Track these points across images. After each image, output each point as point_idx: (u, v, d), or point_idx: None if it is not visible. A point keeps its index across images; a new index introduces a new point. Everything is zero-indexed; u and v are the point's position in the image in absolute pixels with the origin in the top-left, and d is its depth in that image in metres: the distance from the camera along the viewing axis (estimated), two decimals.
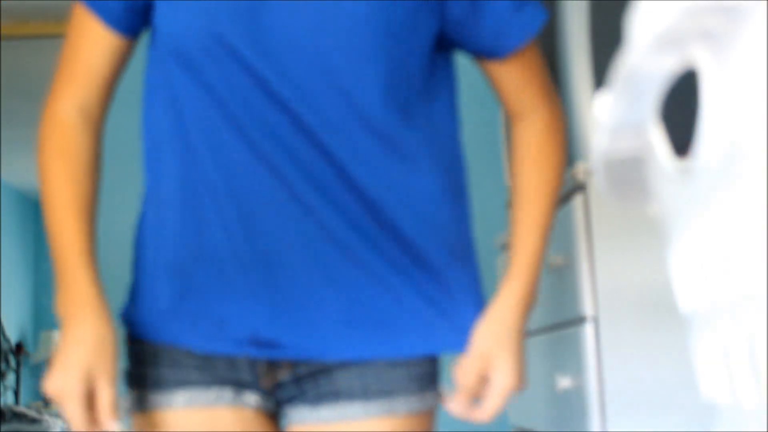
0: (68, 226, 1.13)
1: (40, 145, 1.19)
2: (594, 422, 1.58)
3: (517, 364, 1.14)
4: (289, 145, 1.09)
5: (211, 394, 1.13)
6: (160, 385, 1.13)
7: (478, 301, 1.19)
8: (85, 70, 1.22)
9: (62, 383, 1.06)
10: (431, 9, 1.15)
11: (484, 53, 1.23)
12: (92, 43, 1.22)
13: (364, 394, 1.13)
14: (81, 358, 1.07)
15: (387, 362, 1.13)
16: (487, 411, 1.13)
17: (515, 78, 1.22)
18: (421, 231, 1.13)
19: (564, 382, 1.68)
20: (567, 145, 1.26)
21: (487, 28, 1.19)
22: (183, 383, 1.12)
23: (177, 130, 1.13)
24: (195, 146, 1.12)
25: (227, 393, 1.13)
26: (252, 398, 1.15)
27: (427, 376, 1.16)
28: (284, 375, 1.15)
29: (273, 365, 1.15)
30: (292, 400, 1.16)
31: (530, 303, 1.18)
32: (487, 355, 1.13)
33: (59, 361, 1.07)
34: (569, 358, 1.68)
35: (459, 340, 1.16)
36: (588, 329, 1.60)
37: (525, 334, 1.18)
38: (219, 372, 1.14)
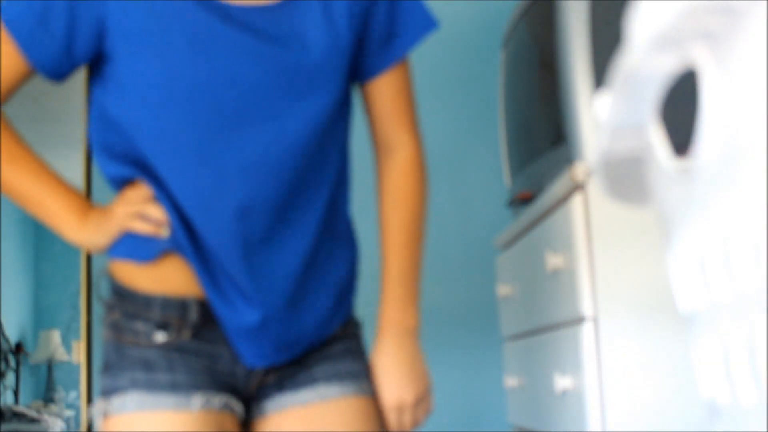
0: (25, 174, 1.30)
1: None
2: (593, 422, 1.58)
3: (408, 377, 1.33)
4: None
5: (223, 399, 1.26)
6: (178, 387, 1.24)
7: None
8: None
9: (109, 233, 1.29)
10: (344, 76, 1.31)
11: (371, 68, 1.36)
12: (8, 67, 1.29)
13: (338, 377, 1.31)
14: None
15: (353, 354, 1.34)
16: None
17: (391, 97, 1.38)
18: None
19: (563, 382, 1.68)
20: (427, 178, 1.41)
21: (378, 39, 1.34)
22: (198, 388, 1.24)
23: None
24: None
25: (227, 400, 1.26)
26: (238, 406, 1.28)
27: (358, 350, 1.38)
28: (272, 379, 1.31)
29: (268, 371, 1.31)
30: (271, 393, 1.31)
31: (413, 329, 1.36)
32: (377, 374, 1.34)
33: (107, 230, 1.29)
34: (569, 358, 1.68)
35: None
36: (587, 329, 1.60)
37: (419, 359, 1.36)
38: (224, 379, 1.28)
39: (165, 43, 1.19)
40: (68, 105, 5.25)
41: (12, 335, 7.55)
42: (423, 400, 1.36)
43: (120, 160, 1.27)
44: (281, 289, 1.27)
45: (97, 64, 1.26)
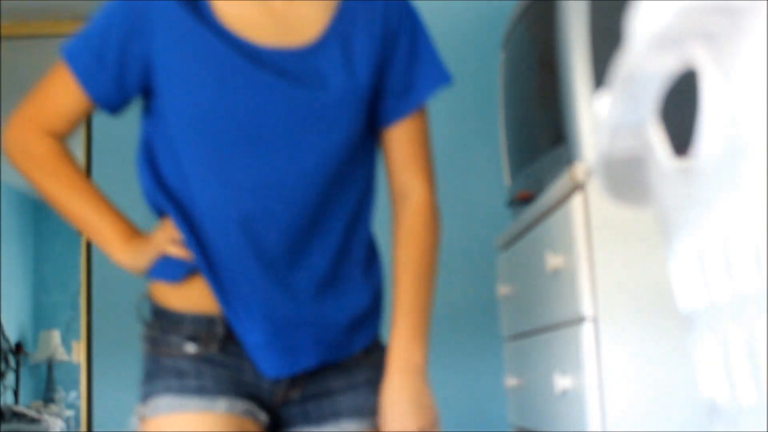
0: (76, 198, 1.44)
1: (18, 154, 1.47)
2: (593, 422, 1.58)
3: (414, 409, 1.39)
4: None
5: (245, 406, 1.38)
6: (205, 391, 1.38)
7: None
8: (53, 118, 1.45)
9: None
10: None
11: (388, 116, 1.47)
12: (69, 99, 1.43)
13: (359, 413, 1.42)
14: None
15: (374, 387, 1.43)
16: None
17: (407, 145, 1.47)
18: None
19: (563, 382, 1.68)
20: (439, 221, 1.48)
21: (396, 89, 1.45)
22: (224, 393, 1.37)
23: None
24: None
25: (250, 407, 1.39)
26: (262, 415, 1.40)
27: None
28: (295, 394, 1.42)
29: (292, 384, 1.42)
30: (296, 419, 1.43)
31: (420, 366, 1.41)
32: (384, 405, 1.40)
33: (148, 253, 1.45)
34: (569, 358, 1.68)
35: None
36: (587, 329, 1.60)
37: (425, 393, 1.40)
38: (248, 389, 1.40)
39: (198, 81, 1.35)
40: None
41: (12, 335, 7.55)
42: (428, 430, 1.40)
43: (158, 188, 1.42)
44: (293, 307, 1.39)
45: (145, 98, 1.43)
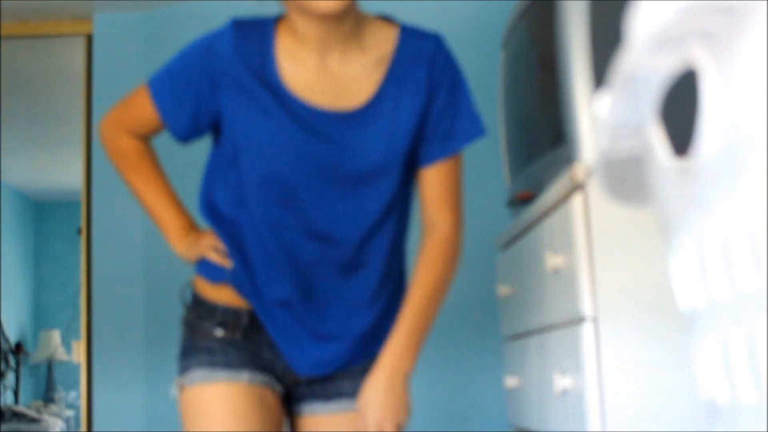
0: (154, 193, 1.72)
1: (109, 147, 1.74)
2: (593, 422, 1.58)
3: (392, 406, 1.61)
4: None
5: (264, 378, 1.64)
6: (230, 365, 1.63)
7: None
8: (135, 125, 1.71)
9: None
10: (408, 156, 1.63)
11: (425, 158, 1.64)
12: (148, 118, 1.68)
13: (358, 394, 1.64)
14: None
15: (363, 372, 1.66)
16: None
17: (438, 185, 1.64)
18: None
19: (563, 382, 1.68)
20: (458, 254, 1.68)
21: (437, 136, 1.62)
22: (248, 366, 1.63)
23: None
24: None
25: (268, 380, 1.65)
26: (278, 387, 1.66)
27: None
28: (303, 380, 1.68)
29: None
30: (305, 396, 1.69)
31: (405, 371, 1.62)
32: (366, 398, 1.62)
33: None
34: (569, 358, 1.68)
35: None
36: (587, 329, 1.60)
37: (403, 396, 1.62)
38: (266, 366, 1.66)
39: (255, 140, 1.57)
40: (68, 105, 5.25)
41: (12, 335, 7.55)
42: (401, 426, 1.64)
43: (212, 210, 1.67)
44: (325, 328, 1.64)
45: (215, 133, 1.66)
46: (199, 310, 1.67)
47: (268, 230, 1.60)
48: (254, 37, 1.57)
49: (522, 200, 2.13)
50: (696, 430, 1.51)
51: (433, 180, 1.64)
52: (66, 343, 7.87)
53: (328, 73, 1.57)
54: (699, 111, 0.56)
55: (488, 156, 3.04)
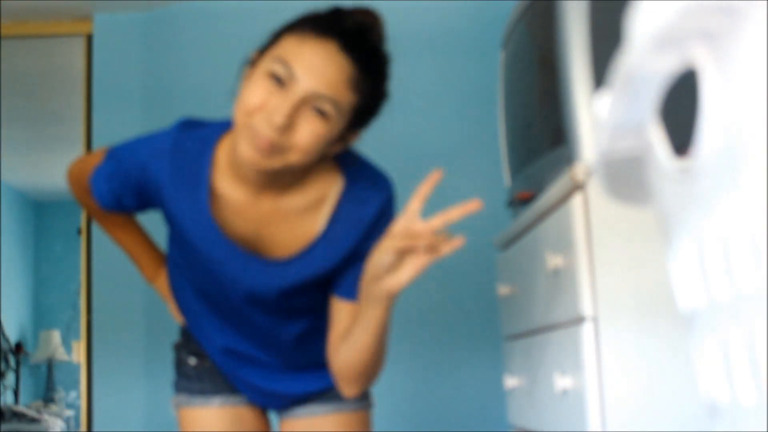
0: (138, 251, 1.88)
1: (79, 200, 1.84)
2: (593, 422, 1.58)
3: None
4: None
5: (238, 398, 1.80)
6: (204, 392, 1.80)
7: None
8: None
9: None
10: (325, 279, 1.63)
11: (335, 292, 1.62)
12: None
13: (324, 399, 1.76)
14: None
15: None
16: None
17: (344, 320, 1.60)
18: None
19: (563, 382, 1.68)
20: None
21: (345, 281, 1.61)
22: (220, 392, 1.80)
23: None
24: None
25: (242, 398, 1.80)
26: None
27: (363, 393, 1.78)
28: None
29: None
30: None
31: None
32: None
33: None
34: (569, 358, 1.68)
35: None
36: (587, 329, 1.60)
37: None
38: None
39: (180, 236, 1.63)
40: (68, 105, 5.25)
41: (12, 335, 7.55)
42: None
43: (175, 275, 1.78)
44: (266, 383, 1.76)
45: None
46: (181, 337, 1.84)
47: (199, 297, 1.72)
48: (192, 159, 1.54)
49: (522, 200, 2.13)
50: (696, 430, 1.51)
51: (341, 314, 1.60)
52: (66, 343, 7.87)
53: (259, 209, 1.55)
54: (699, 111, 0.56)
55: (488, 156, 3.04)
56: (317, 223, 1.57)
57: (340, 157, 1.56)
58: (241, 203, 1.54)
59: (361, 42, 1.44)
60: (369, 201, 1.56)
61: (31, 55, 4.50)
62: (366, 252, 1.52)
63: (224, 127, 1.56)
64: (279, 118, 1.37)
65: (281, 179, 1.51)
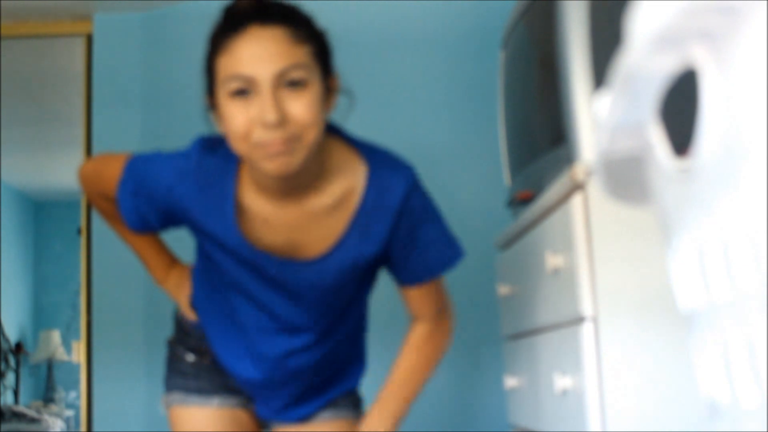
0: (146, 250, 1.83)
1: (90, 201, 1.81)
2: (593, 422, 1.58)
3: None
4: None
5: (235, 400, 1.77)
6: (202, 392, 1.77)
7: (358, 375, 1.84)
8: (103, 193, 1.74)
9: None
10: (374, 266, 1.65)
11: (400, 281, 1.68)
12: (113, 197, 1.70)
13: (334, 404, 1.77)
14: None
15: (346, 400, 1.80)
16: None
17: (417, 297, 1.69)
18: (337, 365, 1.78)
19: (563, 382, 1.68)
20: (445, 348, 1.79)
21: (405, 271, 1.65)
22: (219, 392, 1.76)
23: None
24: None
25: (240, 400, 1.77)
26: (251, 404, 1.78)
27: (356, 403, 1.82)
28: None
29: None
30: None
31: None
32: None
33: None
34: (569, 358, 1.68)
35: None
36: (587, 329, 1.60)
37: None
38: (237, 387, 1.77)
39: (210, 251, 1.63)
40: (68, 105, 5.25)
41: (12, 335, 7.55)
42: None
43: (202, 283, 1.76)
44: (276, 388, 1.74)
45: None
46: (178, 333, 1.80)
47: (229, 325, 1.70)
48: (215, 179, 1.54)
49: (522, 200, 2.13)
50: (696, 430, 1.51)
51: (411, 298, 1.70)
52: (66, 343, 7.87)
53: (286, 216, 1.54)
54: (699, 111, 0.56)
55: (488, 156, 3.04)
56: (347, 215, 1.55)
57: (360, 147, 1.57)
58: (268, 214, 1.54)
59: (266, 8, 1.44)
60: (393, 188, 1.55)
61: (31, 55, 4.50)
62: (413, 239, 1.59)
63: None
64: (270, 115, 1.37)
65: (304, 178, 1.49)
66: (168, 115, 3.25)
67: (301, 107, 1.40)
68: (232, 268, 1.62)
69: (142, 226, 1.64)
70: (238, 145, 1.42)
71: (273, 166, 1.40)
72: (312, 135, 1.41)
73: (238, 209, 1.54)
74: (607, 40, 1.74)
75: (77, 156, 4.04)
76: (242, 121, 1.40)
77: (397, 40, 3.22)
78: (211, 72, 1.46)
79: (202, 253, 1.70)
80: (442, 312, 1.75)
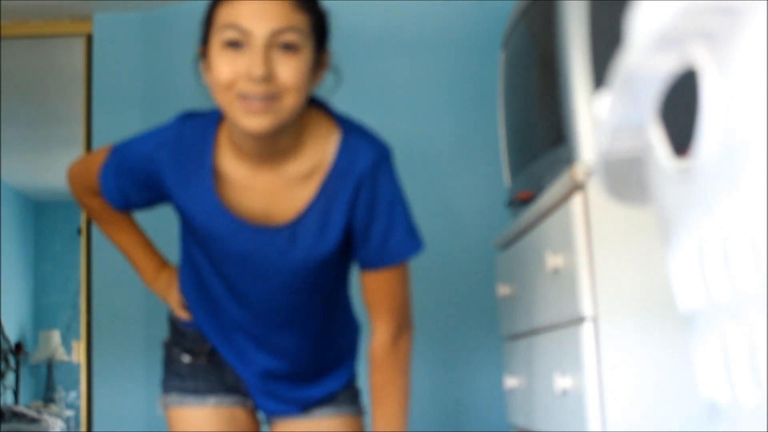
0: (134, 247, 1.85)
1: (79, 201, 1.83)
2: (593, 422, 1.58)
3: None
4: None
5: (232, 399, 1.77)
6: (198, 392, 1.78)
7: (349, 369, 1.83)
8: (94, 191, 1.75)
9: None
10: (341, 251, 1.63)
11: (359, 264, 1.66)
12: (101, 195, 1.73)
13: (325, 402, 1.77)
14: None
15: (346, 395, 1.80)
16: None
17: (376, 287, 1.66)
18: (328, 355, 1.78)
19: (563, 382, 1.68)
20: (409, 347, 1.72)
21: (363, 250, 1.62)
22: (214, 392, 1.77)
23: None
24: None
25: (236, 399, 1.78)
26: (250, 401, 1.78)
27: (355, 398, 1.82)
28: None
29: None
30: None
31: None
32: None
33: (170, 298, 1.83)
34: (569, 358, 1.68)
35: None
36: (587, 329, 1.60)
37: None
38: (234, 385, 1.78)
39: (190, 223, 1.64)
40: (68, 105, 5.24)
41: (12, 335, 7.55)
42: None
43: (188, 266, 1.74)
44: (275, 381, 1.74)
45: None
46: (173, 335, 1.81)
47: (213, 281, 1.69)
48: (194, 145, 1.58)
49: (522, 200, 2.13)
50: (696, 430, 1.51)
51: (370, 285, 1.66)
52: (66, 343, 7.87)
53: (260, 182, 1.57)
54: (699, 111, 0.56)
55: (488, 156, 3.04)
56: (318, 182, 1.58)
57: (339, 119, 1.59)
58: (245, 179, 1.57)
59: None
60: (362, 156, 1.56)
61: (31, 55, 4.50)
62: (374, 216, 1.58)
63: (221, 115, 1.60)
64: (257, 69, 1.41)
65: (281, 143, 1.52)
66: (168, 115, 3.23)
67: (289, 70, 1.44)
68: (211, 251, 1.64)
69: (124, 202, 1.69)
70: (220, 95, 1.46)
71: (250, 123, 1.44)
72: (293, 100, 1.45)
73: (215, 175, 1.57)
74: (607, 40, 1.74)
75: (77, 156, 4.03)
76: (229, 71, 1.44)
77: (397, 40, 3.22)
78: (209, 20, 1.50)
79: (185, 243, 1.71)
80: (404, 319, 1.70)
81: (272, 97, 1.43)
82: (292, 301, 1.67)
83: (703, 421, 0.62)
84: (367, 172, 1.55)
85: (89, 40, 3.55)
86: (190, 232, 1.67)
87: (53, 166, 6.91)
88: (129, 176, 1.65)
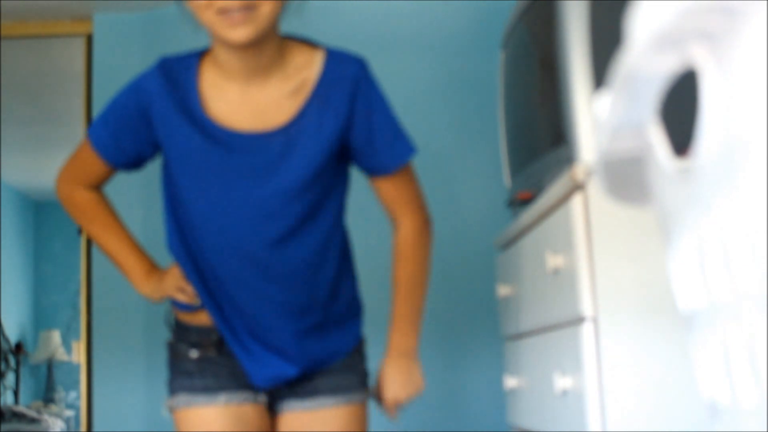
0: (113, 240, 1.83)
1: (67, 205, 1.87)
2: (593, 422, 1.58)
3: (404, 382, 1.78)
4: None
5: (242, 395, 1.75)
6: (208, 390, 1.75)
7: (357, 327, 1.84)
8: (86, 177, 1.81)
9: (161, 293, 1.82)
10: (335, 158, 1.67)
11: (370, 172, 1.74)
12: (95, 166, 1.78)
13: (333, 390, 1.76)
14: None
15: (350, 369, 1.78)
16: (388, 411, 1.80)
17: (393, 191, 1.75)
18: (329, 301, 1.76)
19: (563, 382, 1.68)
20: (431, 240, 1.79)
21: (374, 157, 1.70)
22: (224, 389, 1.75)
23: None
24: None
25: (247, 395, 1.75)
26: (261, 397, 1.76)
27: (363, 380, 1.81)
28: (282, 385, 1.78)
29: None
30: (284, 394, 1.77)
31: (412, 349, 1.79)
32: (383, 379, 1.79)
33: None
34: (568, 358, 1.68)
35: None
36: (587, 329, 1.60)
37: (414, 369, 1.79)
38: (244, 381, 1.75)
39: (183, 165, 1.68)
40: (68, 105, 5.24)
41: (12, 335, 7.55)
42: (414, 396, 1.80)
43: (178, 241, 1.74)
44: (280, 342, 1.72)
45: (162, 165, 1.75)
46: (177, 332, 1.80)
47: (212, 243, 1.70)
48: (179, 72, 1.67)
49: (522, 200, 2.13)
50: (696, 430, 1.51)
51: (385, 190, 1.75)
52: (66, 343, 7.87)
53: (250, 100, 1.64)
54: (699, 111, 0.56)
55: (488, 156, 3.04)
56: (307, 92, 1.66)
57: (320, 43, 1.69)
58: (233, 102, 1.64)
59: None
60: (349, 63, 1.67)
61: (31, 55, 4.50)
62: (373, 122, 1.66)
63: (201, 52, 1.70)
64: None
65: (265, 57, 1.61)
66: None
67: None
68: (207, 192, 1.66)
69: (117, 152, 1.72)
70: (204, 15, 1.55)
71: (234, 34, 1.54)
72: (269, 7, 1.55)
73: (201, 99, 1.65)
74: (607, 40, 1.74)
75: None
76: None
77: (397, 40, 3.22)
78: None
79: (171, 205, 1.73)
80: (426, 213, 1.78)
81: (249, 8, 1.53)
82: (289, 220, 1.66)
83: (704, 421, 0.62)
84: (359, 76, 1.65)
85: (89, 40, 3.55)
86: (177, 185, 1.69)
87: (53, 166, 6.88)
88: (119, 120, 1.70)
